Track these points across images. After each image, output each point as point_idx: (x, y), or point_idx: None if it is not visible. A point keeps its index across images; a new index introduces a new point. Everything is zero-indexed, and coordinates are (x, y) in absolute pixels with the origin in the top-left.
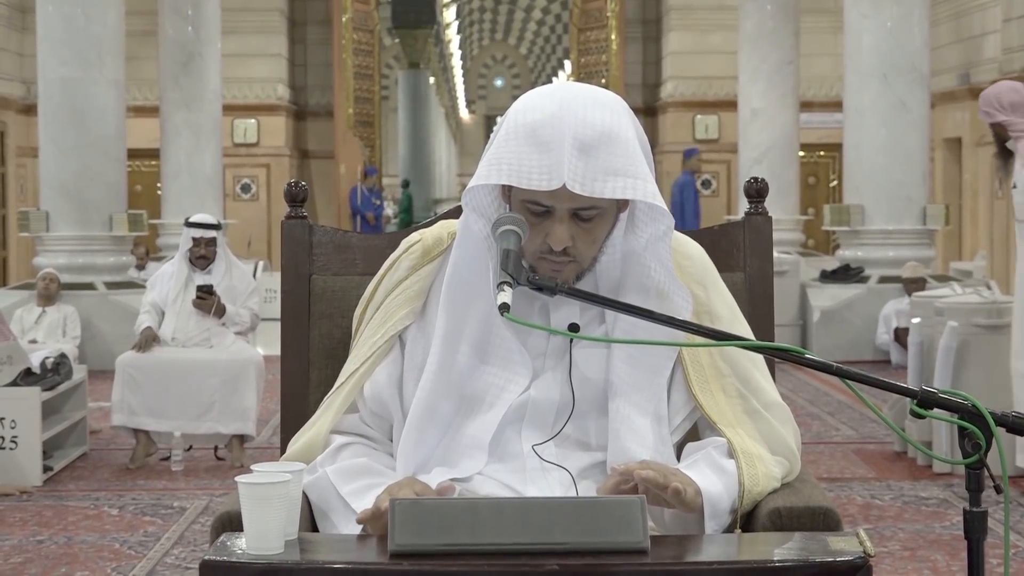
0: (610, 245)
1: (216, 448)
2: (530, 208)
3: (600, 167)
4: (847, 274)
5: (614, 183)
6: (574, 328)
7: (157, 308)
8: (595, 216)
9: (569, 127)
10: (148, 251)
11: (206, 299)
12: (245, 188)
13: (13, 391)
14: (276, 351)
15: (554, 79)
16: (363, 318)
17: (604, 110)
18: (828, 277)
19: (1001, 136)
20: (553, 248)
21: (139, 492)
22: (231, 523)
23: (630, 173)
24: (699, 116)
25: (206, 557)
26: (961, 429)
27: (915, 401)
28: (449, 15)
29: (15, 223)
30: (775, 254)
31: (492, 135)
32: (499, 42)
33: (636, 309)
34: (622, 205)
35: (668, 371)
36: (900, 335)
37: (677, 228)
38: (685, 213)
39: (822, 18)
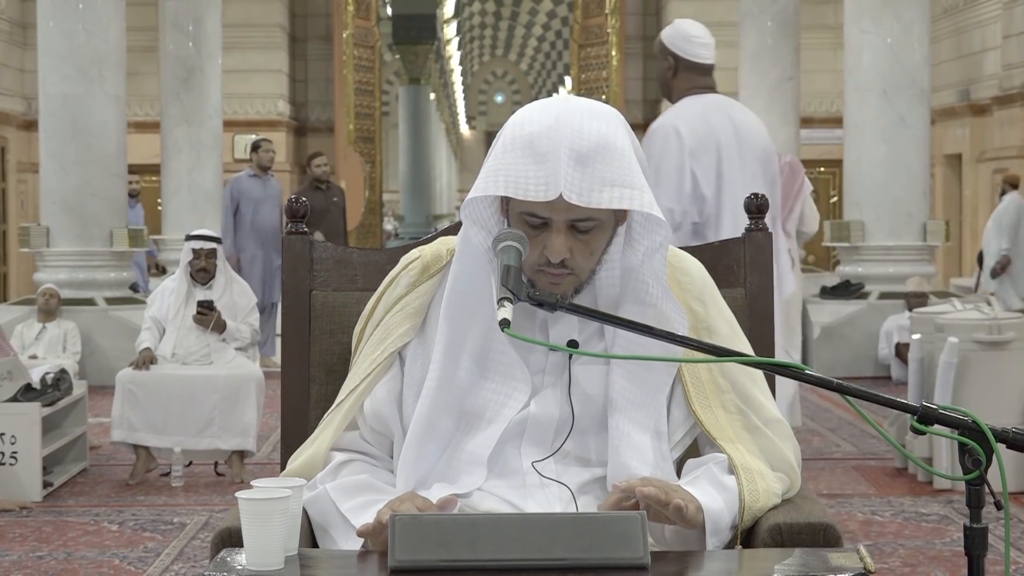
0: (609, 260)
1: (216, 464)
2: (528, 220)
3: (596, 177)
4: (847, 290)
5: (610, 193)
6: (573, 344)
7: (158, 324)
8: (593, 228)
9: (565, 138)
10: (149, 266)
11: (206, 315)
12: None
13: (13, 407)
14: (276, 367)
15: (554, 95)
16: (363, 335)
17: (600, 121)
18: (828, 293)
19: None
20: (551, 260)
21: (139, 508)
22: (231, 539)
23: (626, 183)
24: None
25: (206, 573)
26: (961, 445)
27: (915, 417)
28: (450, 31)
29: (16, 238)
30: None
31: (491, 147)
32: (500, 58)
33: (636, 325)
34: (620, 218)
35: (668, 387)
36: (900, 351)
37: None
38: None
39: (822, 34)
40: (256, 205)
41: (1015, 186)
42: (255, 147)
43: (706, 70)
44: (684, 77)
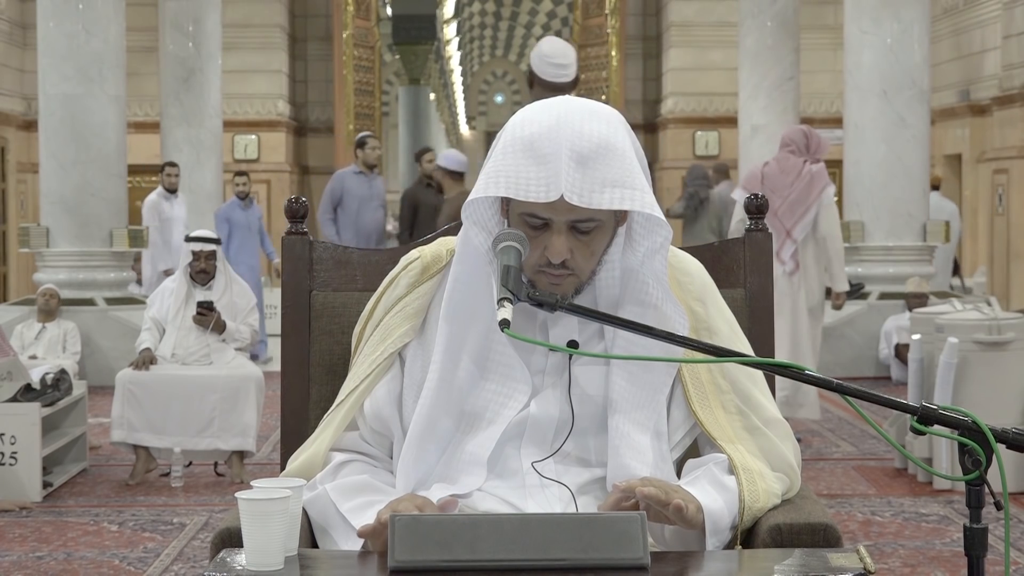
0: (609, 261)
1: (216, 464)
2: (528, 221)
3: (597, 178)
4: (847, 290)
5: (611, 194)
6: (573, 345)
7: (158, 324)
8: (593, 229)
9: (566, 139)
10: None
11: (206, 315)
12: None
13: (13, 407)
14: (276, 367)
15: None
16: (363, 335)
17: (601, 122)
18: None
19: None
20: (551, 261)
21: (139, 508)
22: (231, 539)
23: (627, 184)
24: (699, 132)
25: (206, 573)
26: (961, 445)
27: (915, 417)
28: (449, 31)
29: (15, 239)
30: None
31: (491, 149)
32: (499, 58)
33: (635, 325)
34: (620, 219)
35: (667, 388)
36: (900, 351)
37: None
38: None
39: (822, 35)
40: (360, 203)
41: (936, 187)
42: (360, 143)
43: (556, 87)
44: (536, 90)
